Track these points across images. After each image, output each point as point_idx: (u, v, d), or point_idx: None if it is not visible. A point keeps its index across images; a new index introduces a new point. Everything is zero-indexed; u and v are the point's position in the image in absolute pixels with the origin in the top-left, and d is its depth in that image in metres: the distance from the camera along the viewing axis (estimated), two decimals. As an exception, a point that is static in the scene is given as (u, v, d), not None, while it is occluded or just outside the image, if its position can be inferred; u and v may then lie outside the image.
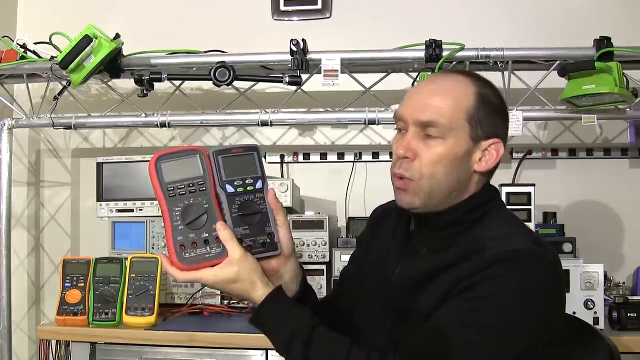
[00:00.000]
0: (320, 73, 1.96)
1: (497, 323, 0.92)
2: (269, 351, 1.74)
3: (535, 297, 0.95)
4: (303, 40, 1.96)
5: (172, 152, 0.96)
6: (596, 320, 1.70)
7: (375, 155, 2.44)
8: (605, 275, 1.97)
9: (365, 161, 2.45)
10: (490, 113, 1.05)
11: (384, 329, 1.07)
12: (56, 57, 1.94)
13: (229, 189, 0.98)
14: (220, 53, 2.05)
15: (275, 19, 2.50)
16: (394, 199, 1.23)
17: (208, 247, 0.94)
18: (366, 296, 1.14)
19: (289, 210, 2.14)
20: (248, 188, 0.99)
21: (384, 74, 2.09)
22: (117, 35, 1.96)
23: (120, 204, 2.21)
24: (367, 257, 1.21)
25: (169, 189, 0.94)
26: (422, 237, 1.11)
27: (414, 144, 1.03)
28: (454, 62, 1.96)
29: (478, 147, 1.04)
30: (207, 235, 0.94)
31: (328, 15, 2.47)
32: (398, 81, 2.08)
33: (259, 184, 1.00)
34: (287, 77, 1.95)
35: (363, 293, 1.15)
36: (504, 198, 1.88)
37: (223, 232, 0.95)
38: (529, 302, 0.94)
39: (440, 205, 1.06)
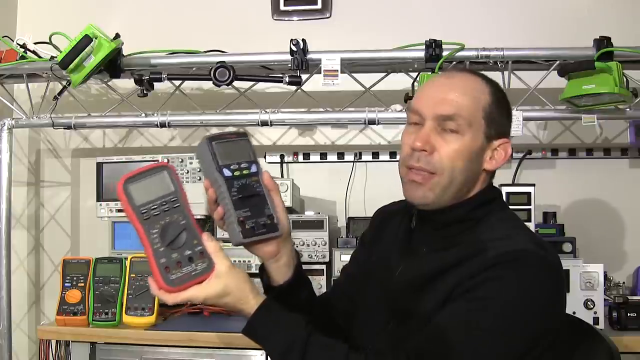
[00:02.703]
0: (320, 73, 1.96)
1: (499, 324, 0.92)
2: (269, 351, 1.74)
3: (537, 298, 0.95)
4: (303, 40, 1.96)
5: (139, 172, 0.93)
6: (596, 320, 1.70)
7: (375, 155, 2.44)
8: (605, 275, 1.96)
9: (365, 161, 2.44)
10: (502, 113, 1.07)
11: (385, 329, 1.07)
12: (56, 57, 1.94)
13: (227, 173, 0.98)
14: (220, 53, 2.05)
15: (275, 19, 2.49)
16: (394, 200, 1.23)
17: (193, 264, 0.92)
18: (368, 297, 1.14)
19: (289, 210, 2.14)
20: (244, 172, 0.99)
21: (384, 74, 2.09)
22: (117, 35, 1.96)
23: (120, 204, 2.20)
24: (370, 259, 1.20)
25: (142, 211, 0.91)
26: (422, 235, 1.10)
27: (432, 137, 1.03)
28: (454, 62, 1.96)
29: (490, 146, 1.06)
30: (190, 252, 0.92)
31: (328, 15, 2.47)
32: (398, 81, 2.08)
33: (253, 168, 1.00)
34: (287, 77, 1.95)
35: (365, 294, 1.15)
36: (503, 198, 1.88)
37: (210, 243, 0.93)
38: (531, 303, 0.94)
39: (447, 202, 1.06)
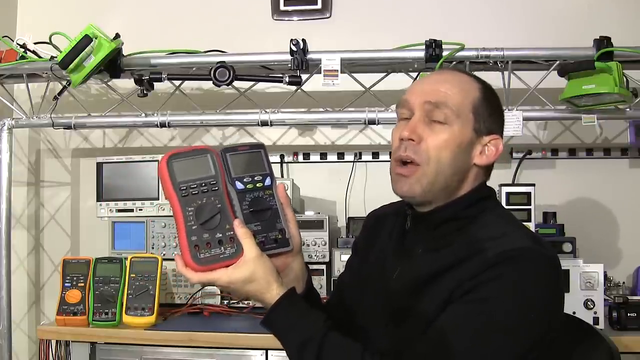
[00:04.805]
0: (320, 73, 1.96)
1: (503, 324, 0.92)
2: (269, 351, 1.73)
3: (539, 295, 0.95)
4: (303, 40, 1.96)
5: (184, 151, 0.95)
6: (596, 320, 1.70)
7: (375, 155, 2.44)
8: (605, 275, 1.96)
9: (365, 161, 2.44)
10: (491, 110, 1.08)
11: (385, 333, 1.06)
12: (56, 57, 1.94)
13: (239, 185, 0.98)
14: (220, 53, 2.05)
15: (275, 19, 2.50)
16: (390, 202, 1.23)
17: (222, 248, 0.93)
18: (366, 302, 1.13)
19: (289, 210, 2.14)
20: (257, 185, 0.99)
21: (384, 74, 2.09)
22: (117, 35, 1.96)
23: (120, 204, 2.20)
24: (365, 263, 1.20)
25: (182, 188, 0.93)
26: (417, 236, 1.10)
27: (419, 127, 1.04)
28: (454, 62, 1.95)
29: (479, 142, 1.06)
30: (221, 235, 0.93)
31: (328, 15, 2.47)
32: (398, 81, 2.07)
33: (267, 181, 1.00)
34: (287, 77, 1.95)
35: (363, 299, 1.15)
36: (503, 198, 1.88)
37: (240, 230, 0.93)
38: (533, 301, 0.94)
39: (437, 197, 1.06)
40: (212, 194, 0.94)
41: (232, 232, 0.94)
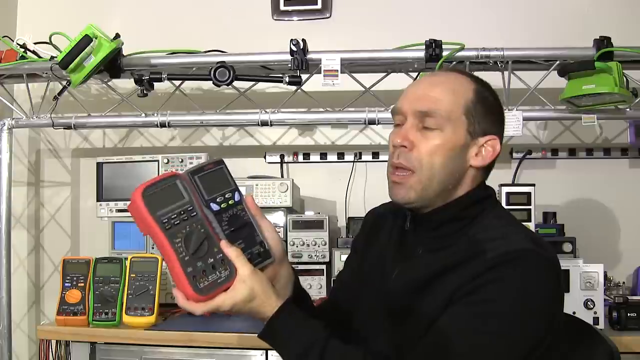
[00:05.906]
0: (320, 73, 1.96)
1: (503, 326, 0.92)
2: (269, 351, 1.74)
3: (539, 297, 0.94)
4: (303, 40, 1.96)
5: (153, 183, 0.92)
6: (596, 320, 1.70)
7: (375, 155, 2.44)
8: (605, 275, 1.97)
9: (365, 161, 2.45)
10: (487, 111, 1.06)
11: (384, 333, 1.06)
12: (56, 57, 1.94)
13: (215, 207, 0.96)
14: (220, 53, 2.05)
15: (275, 19, 2.50)
16: (389, 200, 1.23)
17: (217, 272, 0.92)
18: (365, 301, 1.13)
19: (289, 210, 2.14)
20: (229, 202, 0.97)
21: (384, 74, 2.09)
22: (117, 35, 1.96)
23: (120, 204, 2.21)
24: (364, 262, 1.20)
25: (163, 221, 0.89)
26: (417, 237, 1.10)
27: (411, 134, 1.04)
28: (454, 62, 1.96)
29: (475, 143, 1.05)
30: (212, 260, 0.91)
31: (328, 15, 2.47)
32: (398, 81, 2.07)
33: (237, 197, 0.98)
34: (287, 77, 1.96)
35: (362, 298, 1.15)
36: (503, 198, 1.88)
37: (230, 250, 0.93)
38: (533, 303, 0.94)
39: (435, 201, 1.06)
40: (193, 220, 0.91)
41: (221, 255, 0.92)
